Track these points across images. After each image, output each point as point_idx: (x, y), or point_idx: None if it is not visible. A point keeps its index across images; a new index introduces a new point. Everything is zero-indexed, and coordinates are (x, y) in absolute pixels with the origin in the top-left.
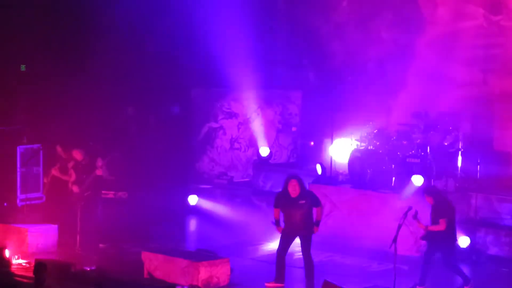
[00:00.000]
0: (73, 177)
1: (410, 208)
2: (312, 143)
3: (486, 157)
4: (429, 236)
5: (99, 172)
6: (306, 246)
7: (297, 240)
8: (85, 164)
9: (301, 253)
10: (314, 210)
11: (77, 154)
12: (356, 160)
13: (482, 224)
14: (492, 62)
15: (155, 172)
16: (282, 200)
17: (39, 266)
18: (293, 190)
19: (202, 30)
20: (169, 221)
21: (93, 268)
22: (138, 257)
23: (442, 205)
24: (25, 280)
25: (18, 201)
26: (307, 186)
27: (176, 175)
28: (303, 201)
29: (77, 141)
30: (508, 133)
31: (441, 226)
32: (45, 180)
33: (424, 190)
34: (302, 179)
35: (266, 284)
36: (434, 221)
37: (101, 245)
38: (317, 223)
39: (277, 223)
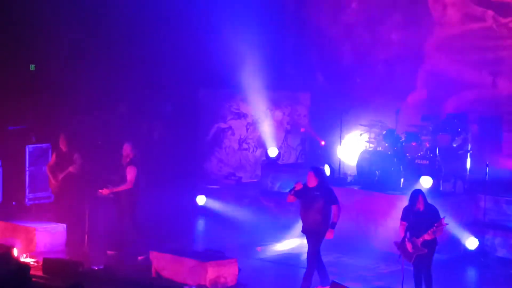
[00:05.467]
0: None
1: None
2: (323, 142)
3: (495, 159)
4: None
5: (72, 168)
6: (310, 244)
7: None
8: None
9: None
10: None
11: (62, 144)
12: (364, 161)
13: (490, 226)
14: (501, 65)
15: (164, 172)
16: (301, 190)
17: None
18: (309, 181)
19: (210, 30)
20: (177, 221)
21: (101, 267)
22: (146, 257)
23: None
24: (33, 279)
25: (26, 200)
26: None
27: (184, 175)
28: (318, 192)
29: (86, 140)
30: None
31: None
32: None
33: None
34: (323, 173)
35: None
36: (428, 227)
37: (109, 252)
38: (333, 225)
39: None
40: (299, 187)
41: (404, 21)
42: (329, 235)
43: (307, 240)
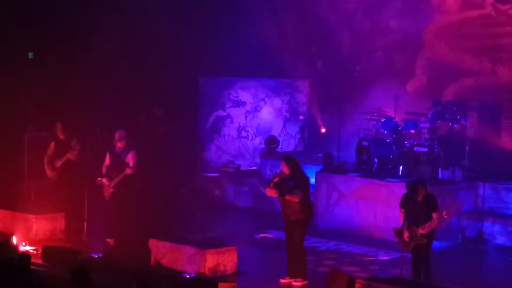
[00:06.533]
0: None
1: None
2: (323, 130)
3: (494, 146)
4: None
5: (70, 155)
6: (296, 235)
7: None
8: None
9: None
10: None
11: (60, 132)
12: (363, 149)
13: (489, 213)
14: (501, 52)
15: (163, 160)
16: (278, 183)
17: None
18: (283, 171)
19: (209, 18)
20: (176, 209)
21: (100, 255)
22: (145, 245)
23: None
24: (32, 267)
25: (25, 188)
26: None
27: (183, 163)
28: (292, 183)
29: (85, 128)
30: None
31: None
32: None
33: None
34: (296, 161)
35: (281, 281)
36: (426, 216)
37: (108, 240)
38: (281, 193)
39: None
40: (276, 179)
41: (403, 8)
42: (268, 190)
43: (290, 232)
